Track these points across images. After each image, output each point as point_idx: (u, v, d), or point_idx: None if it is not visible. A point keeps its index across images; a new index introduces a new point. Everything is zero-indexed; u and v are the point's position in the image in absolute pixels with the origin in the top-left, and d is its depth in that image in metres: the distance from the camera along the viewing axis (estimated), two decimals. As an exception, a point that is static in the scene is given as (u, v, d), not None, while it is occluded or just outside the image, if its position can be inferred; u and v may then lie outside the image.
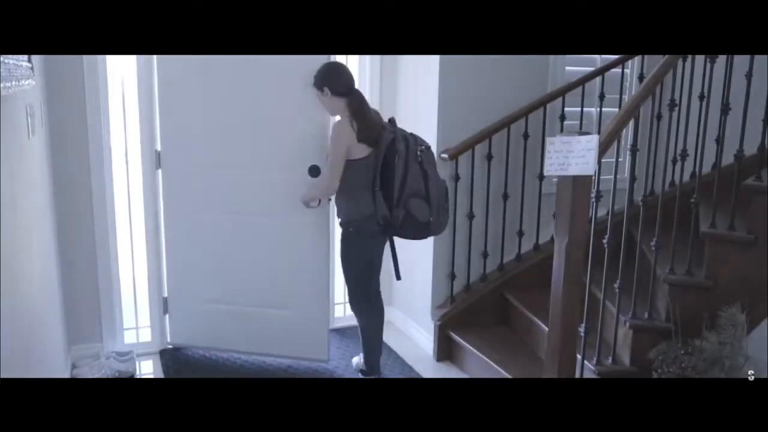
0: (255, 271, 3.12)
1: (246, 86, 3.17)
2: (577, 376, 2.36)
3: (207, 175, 3.12)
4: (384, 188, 2.64)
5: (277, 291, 3.11)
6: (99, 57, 2.89)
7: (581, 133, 2.12)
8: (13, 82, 1.57)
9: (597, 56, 3.38)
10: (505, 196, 3.24)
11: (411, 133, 2.74)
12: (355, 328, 3.06)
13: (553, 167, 2.11)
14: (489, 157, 3.18)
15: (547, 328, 2.39)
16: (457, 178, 3.15)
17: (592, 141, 2.03)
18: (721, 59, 2.42)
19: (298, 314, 3.10)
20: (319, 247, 3.02)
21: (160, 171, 3.12)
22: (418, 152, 2.66)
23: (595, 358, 2.50)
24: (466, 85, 3.14)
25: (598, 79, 3.24)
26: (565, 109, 3.19)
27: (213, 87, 3.11)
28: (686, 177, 2.75)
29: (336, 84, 2.68)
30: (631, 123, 2.41)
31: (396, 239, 2.83)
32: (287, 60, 3.20)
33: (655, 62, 2.50)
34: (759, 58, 2.41)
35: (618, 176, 2.43)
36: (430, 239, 3.21)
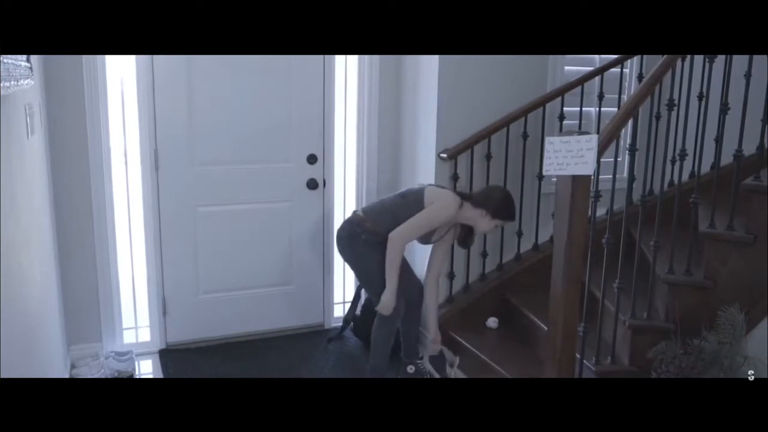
0: (258, 255, 3.42)
1: (245, 85, 3.20)
2: (577, 376, 2.36)
3: (206, 172, 3.23)
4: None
5: (280, 269, 3.49)
6: (98, 57, 2.88)
7: (580, 132, 2.12)
8: (12, 82, 1.57)
9: (596, 56, 3.38)
10: (505, 196, 3.23)
11: None
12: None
13: (552, 167, 2.11)
14: (488, 156, 3.18)
15: (546, 328, 2.39)
16: (456, 177, 3.15)
17: (591, 141, 2.03)
18: (720, 59, 2.42)
19: (297, 287, 3.55)
20: (315, 224, 3.52)
21: (158, 170, 3.12)
22: None
23: (594, 358, 2.50)
24: (465, 85, 3.14)
25: (597, 79, 3.24)
26: (564, 108, 3.19)
27: (212, 86, 3.13)
28: (685, 177, 2.75)
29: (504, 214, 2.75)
30: (630, 123, 2.41)
31: None
32: (286, 59, 3.23)
33: (654, 62, 2.50)
34: (758, 58, 2.41)
35: (617, 176, 2.43)
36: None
